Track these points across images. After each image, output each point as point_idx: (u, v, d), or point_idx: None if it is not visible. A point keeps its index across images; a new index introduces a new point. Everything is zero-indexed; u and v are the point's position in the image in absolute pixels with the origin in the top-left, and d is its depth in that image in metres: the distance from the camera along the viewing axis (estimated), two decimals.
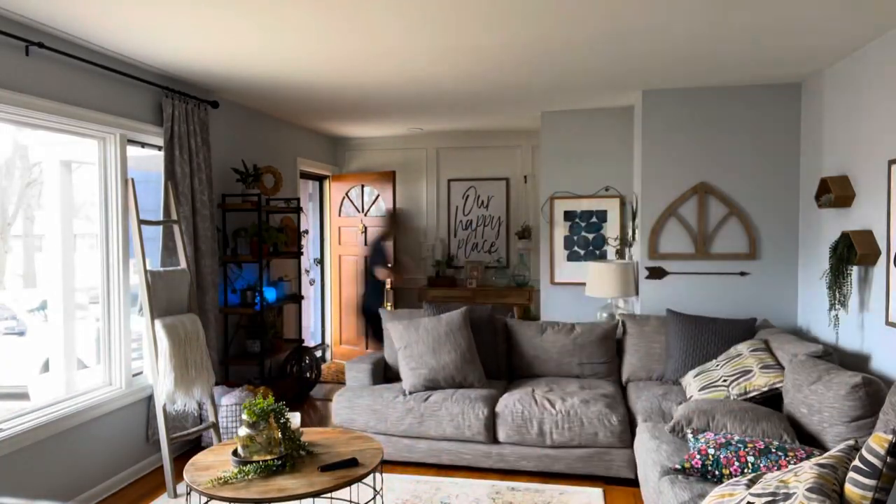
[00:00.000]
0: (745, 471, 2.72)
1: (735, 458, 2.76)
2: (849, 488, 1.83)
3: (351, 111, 5.87)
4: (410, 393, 4.32)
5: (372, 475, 2.88)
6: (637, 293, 5.16)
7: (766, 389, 3.59)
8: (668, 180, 5.03)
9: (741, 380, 3.71)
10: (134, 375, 4.17)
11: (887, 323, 3.50)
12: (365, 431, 4.27)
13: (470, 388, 4.32)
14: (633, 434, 3.99)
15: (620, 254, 5.82)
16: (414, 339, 4.43)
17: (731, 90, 4.92)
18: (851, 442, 2.06)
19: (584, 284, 5.70)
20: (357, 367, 4.61)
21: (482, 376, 4.42)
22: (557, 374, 4.68)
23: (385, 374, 4.76)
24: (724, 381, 3.78)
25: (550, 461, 4.01)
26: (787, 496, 1.87)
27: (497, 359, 4.76)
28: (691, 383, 3.98)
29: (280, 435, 2.89)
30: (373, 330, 7.08)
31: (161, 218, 4.29)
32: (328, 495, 2.88)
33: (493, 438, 4.09)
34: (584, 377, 4.61)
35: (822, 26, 3.45)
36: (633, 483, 3.92)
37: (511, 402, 4.09)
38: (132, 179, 4.00)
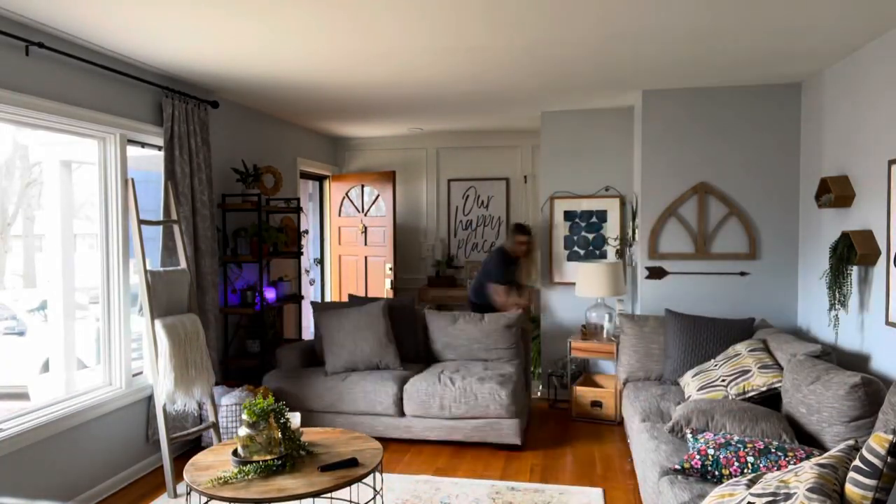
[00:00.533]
0: (745, 471, 2.72)
1: (735, 459, 2.76)
2: (849, 488, 1.83)
3: (351, 111, 5.87)
4: (332, 374, 4.85)
5: (372, 475, 2.88)
6: (629, 292, 5.16)
7: (764, 389, 3.59)
8: (668, 180, 5.03)
9: (740, 379, 3.71)
10: (134, 375, 4.17)
11: (887, 323, 3.50)
12: (294, 406, 4.76)
13: (385, 370, 4.87)
14: (530, 411, 4.90)
15: (620, 254, 5.82)
16: (336, 327, 4.96)
17: (731, 90, 4.92)
18: (851, 442, 2.06)
19: None
20: (287, 352, 5.15)
21: (396, 359, 4.92)
22: (468, 359, 5.22)
23: (312, 359, 5.29)
24: (723, 380, 3.78)
25: (450, 431, 4.57)
26: (788, 496, 1.87)
27: (417, 345, 5.31)
28: (690, 383, 3.98)
29: (280, 435, 2.89)
30: None
31: (161, 218, 4.29)
32: (328, 495, 2.88)
33: (401, 412, 4.63)
34: (489, 361, 5.15)
35: (822, 26, 3.45)
36: (519, 448, 4.55)
37: (418, 382, 4.65)
38: (132, 179, 4.00)
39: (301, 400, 4.75)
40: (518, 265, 5.91)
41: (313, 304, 5.38)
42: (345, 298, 7.28)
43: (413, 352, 5.27)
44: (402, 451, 4.56)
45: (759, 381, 3.63)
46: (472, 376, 4.63)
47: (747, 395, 3.62)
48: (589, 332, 5.46)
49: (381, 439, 4.74)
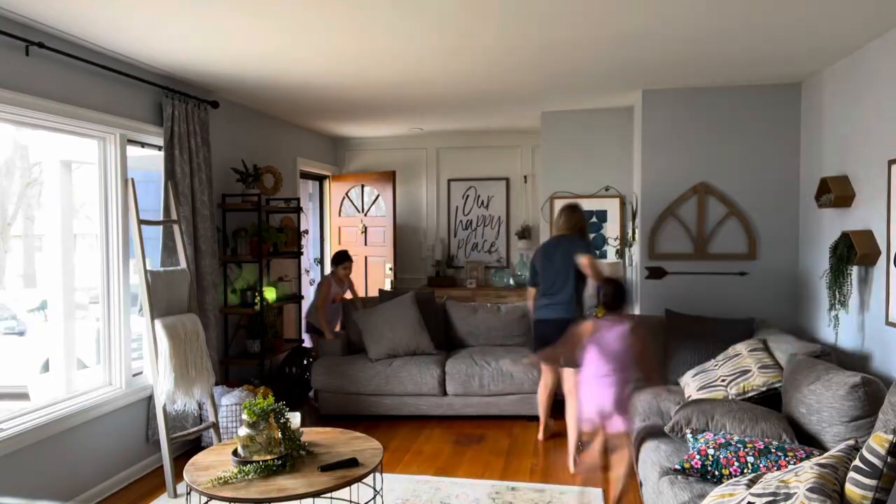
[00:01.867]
0: (745, 471, 2.72)
1: (735, 459, 2.76)
2: (849, 488, 1.83)
3: (351, 111, 5.87)
4: (376, 360, 5.27)
5: (372, 475, 2.88)
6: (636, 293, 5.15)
7: (764, 389, 3.59)
8: (668, 180, 5.03)
9: (740, 380, 3.71)
10: (134, 375, 4.17)
11: (887, 323, 3.50)
12: (338, 391, 5.21)
13: (423, 355, 5.31)
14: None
15: (620, 254, 5.82)
16: (374, 318, 5.42)
17: (731, 90, 4.92)
18: (851, 442, 2.05)
19: None
20: (329, 344, 5.56)
21: (431, 345, 5.38)
22: (488, 344, 5.67)
23: (349, 349, 5.67)
24: (723, 380, 3.78)
25: (488, 406, 5.13)
26: (788, 496, 1.87)
27: (440, 333, 5.68)
28: (690, 383, 3.97)
29: (280, 435, 2.89)
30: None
31: (161, 218, 4.29)
32: (328, 495, 2.88)
33: (443, 392, 5.12)
34: (508, 346, 5.58)
35: (822, 26, 3.45)
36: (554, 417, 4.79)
37: (456, 364, 5.15)
38: (132, 179, 4.00)
39: (347, 385, 5.15)
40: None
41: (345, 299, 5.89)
42: None
43: (437, 339, 5.61)
44: (443, 426, 5.08)
45: (759, 381, 3.63)
46: (501, 359, 5.13)
47: (747, 396, 3.62)
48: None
49: (424, 417, 5.21)
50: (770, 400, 3.62)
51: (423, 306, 5.64)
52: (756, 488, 2.05)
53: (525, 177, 7.29)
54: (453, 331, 5.77)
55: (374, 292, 7.01)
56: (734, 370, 3.81)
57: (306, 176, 7.10)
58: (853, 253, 3.69)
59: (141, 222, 3.97)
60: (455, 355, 5.35)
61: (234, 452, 2.87)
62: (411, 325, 5.38)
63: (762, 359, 3.79)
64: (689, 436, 3.14)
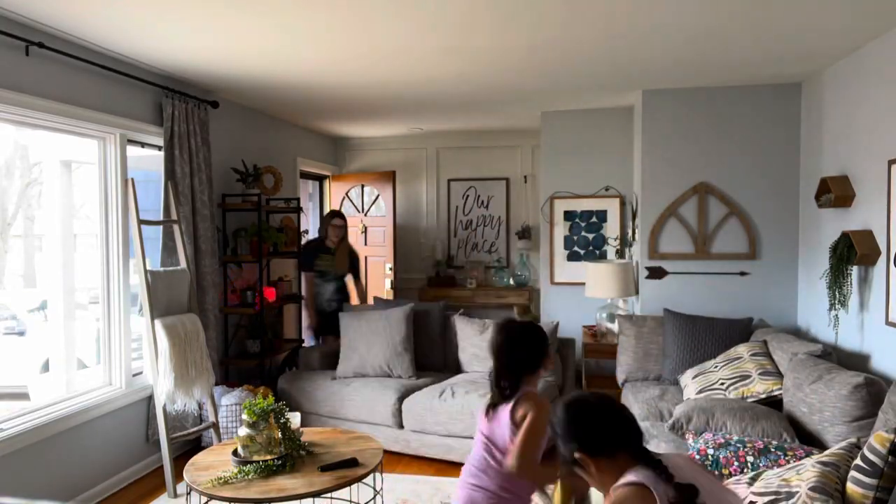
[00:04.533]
0: (745, 470, 2.72)
1: (734, 458, 2.76)
2: (850, 487, 1.83)
3: (351, 111, 5.87)
4: (340, 377, 4.76)
5: (372, 475, 2.88)
6: (637, 293, 5.15)
7: (763, 396, 3.59)
8: (668, 180, 5.03)
9: (739, 384, 3.70)
10: (134, 375, 4.16)
11: (887, 323, 3.50)
12: (298, 409, 4.62)
13: (396, 379, 4.66)
14: None
15: (620, 254, 5.82)
16: (354, 330, 4.82)
17: (730, 90, 4.92)
18: (853, 440, 2.06)
19: (584, 284, 5.69)
20: (310, 353, 5.13)
21: (410, 369, 4.72)
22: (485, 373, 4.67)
23: (331, 361, 5.09)
24: (722, 384, 3.77)
25: (447, 450, 4.26)
26: (790, 495, 1.87)
27: (445, 354, 5.05)
28: (689, 384, 3.97)
29: (280, 435, 2.89)
30: None
31: (161, 218, 4.29)
32: (328, 495, 2.88)
33: (400, 424, 4.41)
34: None
35: (822, 26, 3.45)
36: None
37: (420, 395, 4.38)
38: (132, 179, 4.00)
39: (304, 403, 4.70)
40: (334, 254, 5.63)
41: (344, 305, 5.35)
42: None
43: (440, 361, 4.98)
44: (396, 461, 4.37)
45: (759, 387, 3.62)
46: (477, 391, 4.26)
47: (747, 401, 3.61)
48: (598, 333, 5.36)
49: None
50: (770, 403, 3.61)
51: (426, 321, 5.00)
52: (758, 486, 2.05)
53: (525, 177, 7.29)
54: (457, 352, 4.96)
55: (373, 292, 7.01)
56: (734, 374, 3.80)
57: (306, 176, 7.10)
58: (853, 253, 3.69)
59: (141, 222, 3.97)
60: (435, 384, 4.58)
61: (234, 452, 2.87)
62: (392, 344, 4.71)
63: (763, 364, 3.78)
64: (689, 437, 3.14)
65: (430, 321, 5.04)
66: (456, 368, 4.98)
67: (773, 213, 4.90)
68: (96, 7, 3.09)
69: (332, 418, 4.65)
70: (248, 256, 5.11)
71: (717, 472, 2.78)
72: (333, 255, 5.76)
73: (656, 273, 5.08)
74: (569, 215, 5.96)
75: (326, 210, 7.50)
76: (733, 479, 2.40)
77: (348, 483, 2.73)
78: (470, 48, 3.83)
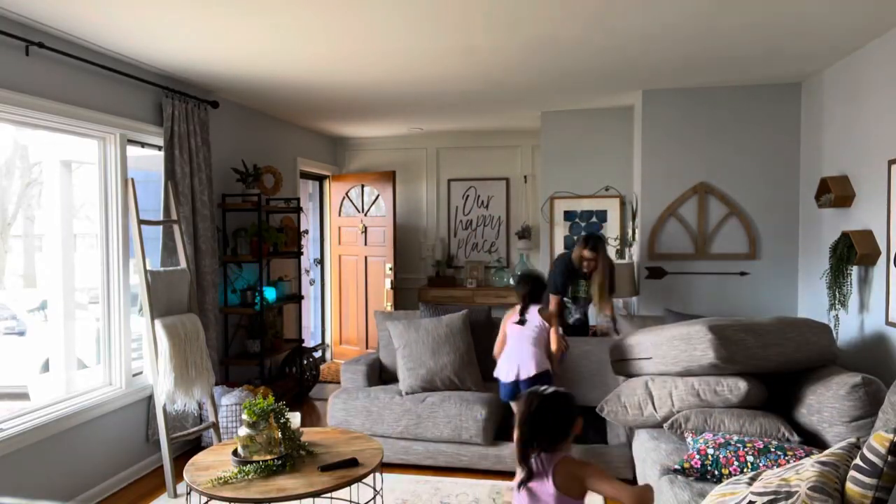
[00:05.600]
0: (745, 470, 2.72)
1: (734, 458, 2.76)
2: (850, 487, 1.83)
3: (351, 111, 5.87)
4: (407, 394, 4.28)
5: (372, 475, 2.88)
6: (637, 293, 5.15)
7: None
8: (668, 180, 5.03)
9: None
10: (134, 375, 4.17)
11: (887, 323, 3.50)
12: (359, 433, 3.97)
13: (467, 391, 4.27)
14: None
15: (620, 254, 5.82)
16: (413, 339, 4.36)
17: (730, 90, 4.92)
18: (853, 440, 2.05)
19: None
20: (352, 369, 4.55)
21: (479, 379, 4.36)
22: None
23: (381, 375, 4.70)
24: None
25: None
26: (790, 494, 1.87)
27: (493, 363, 4.44)
28: None
29: (280, 435, 2.89)
30: None
31: (161, 218, 4.29)
32: (328, 495, 2.88)
33: (490, 440, 4.05)
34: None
35: (822, 26, 3.45)
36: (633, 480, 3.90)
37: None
38: (132, 179, 4.00)
39: (370, 427, 4.20)
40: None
41: (377, 313, 4.90)
42: (345, 298, 7.28)
43: (491, 368, 4.30)
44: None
45: None
46: None
47: None
48: (599, 333, 5.31)
49: (466, 471, 4.12)
50: None
51: (476, 329, 4.57)
52: (757, 486, 2.05)
53: (525, 177, 7.29)
54: None
55: (374, 292, 7.01)
56: None
57: (306, 176, 7.10)
58: (853, 253, 3.69)
59: (141, 222, 3.97)
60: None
61: (234, 452, 2.87)
62: (459, 353, 4.31)
63: None
64: (688, 437, 3.14)
65: (478, 328, 4.62)
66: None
67: (773, 213, 4.90)
68: (96, 7, 3.09)
69: (406, 439, 4.15)
70: (248, 256, 5.11)
71: (716, 472, 2.78)
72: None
73: (656, 273, 5.08)
74: (569, 215, 5.96)
75: (326, 210, 7.50)
76: (733, 478, 2.40)
77: (348, 483, 2.73)
78: (471, 48, 3.83)
